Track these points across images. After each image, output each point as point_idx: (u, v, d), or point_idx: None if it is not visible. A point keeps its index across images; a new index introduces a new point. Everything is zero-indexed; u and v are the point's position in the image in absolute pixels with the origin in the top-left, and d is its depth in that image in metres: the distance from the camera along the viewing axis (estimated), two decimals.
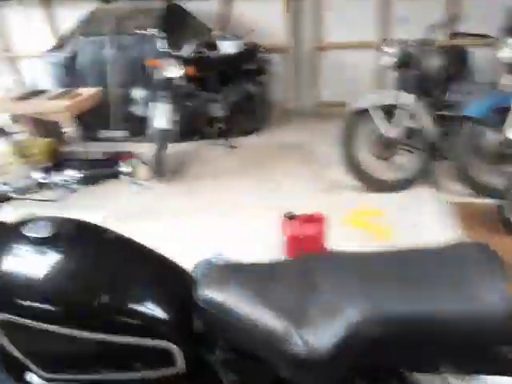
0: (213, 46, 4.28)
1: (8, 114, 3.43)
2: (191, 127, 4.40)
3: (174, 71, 3.75)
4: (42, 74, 4.78)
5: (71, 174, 1.25)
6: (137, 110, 4.53)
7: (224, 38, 4.39)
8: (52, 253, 1.05)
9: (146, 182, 1.38)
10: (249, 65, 4.52)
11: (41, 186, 1.21)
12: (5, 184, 1.15)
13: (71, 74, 4.57)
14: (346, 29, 4.73)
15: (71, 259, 1.08)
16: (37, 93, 4.04)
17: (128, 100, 4.49)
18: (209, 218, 3.14)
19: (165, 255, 1.26)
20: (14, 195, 1.14)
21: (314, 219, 2.56)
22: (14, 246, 1.06)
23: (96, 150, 4.48)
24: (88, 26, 4.63)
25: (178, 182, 3.81)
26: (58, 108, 3.13)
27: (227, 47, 4.31)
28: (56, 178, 1.22)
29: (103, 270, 1.08)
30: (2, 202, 1.16)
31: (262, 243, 2.74)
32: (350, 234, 2.84)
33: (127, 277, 1.10)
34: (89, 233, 1.18)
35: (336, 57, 4.95)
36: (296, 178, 3.69)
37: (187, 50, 3.97)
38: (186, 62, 3.86)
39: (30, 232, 1.05)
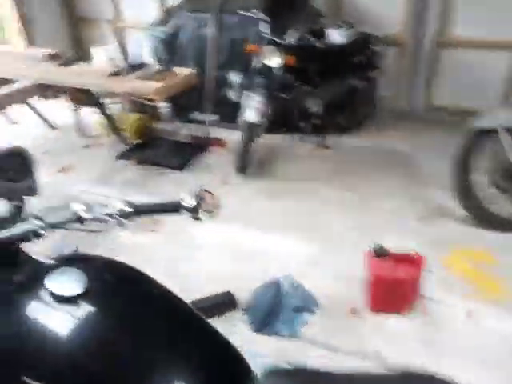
0: (320, 34, 3.86)
1: (101, 89, 3.39)
2: (283, 120, 4.08)
3: (273, 59, 3.44)
4: (144, 47, 4.73)
5: (119, 208, 1.00)
6: (231, 95, 4.31)
7: (334, 26, 3.95)
8: (79, 318, 0.83)
9: (210, 214, 1.12)
10: (358, 57, 4.05)
11: (81, 220, 0.97)
12: (37, 218, 0.92)
13: (172, 49, 4.46)
14: (480, 23, 4.02)
15: (101, 329, 0.85)
16: (135, 67, 3.95)
17: (224, 83, 4.28)
18: (282, 232, 2.82)
19: (218, 330, 0.99)
20: (44, 233, 0.91)
21: (410, 259, 2.13)
22: (36, 302, 0.85)
23: (186, 132, 4.37)
24: (194, 2, 4.46)
25: (259, 180, 3.52)
26: (148, 90, 2.99)
27: (336, 36, 3.87)
28: (100, 211, 0.98)
29: (140, 347, 0.84)
30: (29, 240, 0.93)
31: (340, 276, 2.37)
32: (451, 281, 2.37)
33: (168, 359, 0.84)
34: (130, 289, 0.94)
35: (462, 56, 4.26)
36: (392, 196, 3.21)
37: (291, 36, 3.61)
38: (287, 49, 3.53)
39: (58, 286, 0.83)
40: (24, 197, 0.99)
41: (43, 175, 4.12)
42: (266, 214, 3.04)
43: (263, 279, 2.31)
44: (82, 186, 3.51)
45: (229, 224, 2.91)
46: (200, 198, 1.11)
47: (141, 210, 1.02)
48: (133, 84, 3.10)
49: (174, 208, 1.07)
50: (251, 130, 3.41)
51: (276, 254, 2.59)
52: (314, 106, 3.86)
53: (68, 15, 5.77)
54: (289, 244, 2.70)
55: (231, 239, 2.79)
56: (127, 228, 1.02)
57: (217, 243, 2.75)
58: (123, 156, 4.00)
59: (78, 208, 0.94)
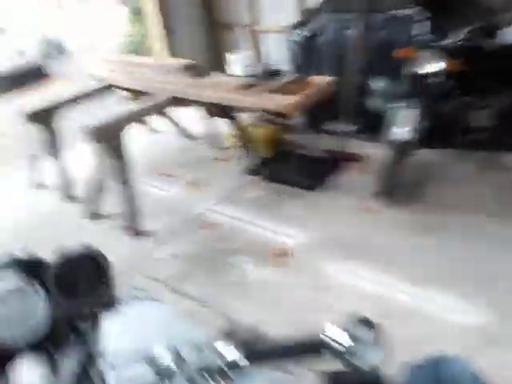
0: (492, 33, 3.12)
1: (232, 104, 3.17)
2: (439, 134, 3.42)
3: (431, 65, 2.86)
4: (280, 52, 4.45)
5: (229, 359, 0.65)
6: (373, 105, 3.79)
7: (509, 23, 3.16)
8: None
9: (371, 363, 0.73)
10: None
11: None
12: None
13: (309, 54, 4.11)
14: None
15: None
16: (269, 74, 3.70)
17: (365, 91, 3.78)
18: (439, 286, 2.25)
19: None
20: None
21: None
22: None
23: (320, 144, 3.97)
24: (336, 1, 4.02)
25: (406, 208, 2.96)
26: (280, 106, 2.67)
27: None
28: (196, 364, 0.64)
29: None
30: None
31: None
32: None
33: None
34: None
35: None
36: None
37: (454, 37, 2.96)
38: (449, 53, 2.90)
39: None
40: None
41: (170, 187, 4.02)
42: (415, 256, 2.49)
43: (415, 355, 1.80)
44: (206, 203, 3.35)
45: (368, 265, 2.45)
46: (353, 330, 0.71)
47: (260, 358, 0.65)
48: (265, 99, 2.81)
49: (311, 350, 0.69)
50: (400, 150, 2.88)
51: (432, 319, 2.06)
52: (481, 118, 3.14)
53: (208, 23, 5.78)
54: (450, 305, 2.13)
55: (369, 286, 2.31)
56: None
57: (350, 289, 2.31)
58: (252, 171, 3.77)
59: (163, 359, 0.60)
